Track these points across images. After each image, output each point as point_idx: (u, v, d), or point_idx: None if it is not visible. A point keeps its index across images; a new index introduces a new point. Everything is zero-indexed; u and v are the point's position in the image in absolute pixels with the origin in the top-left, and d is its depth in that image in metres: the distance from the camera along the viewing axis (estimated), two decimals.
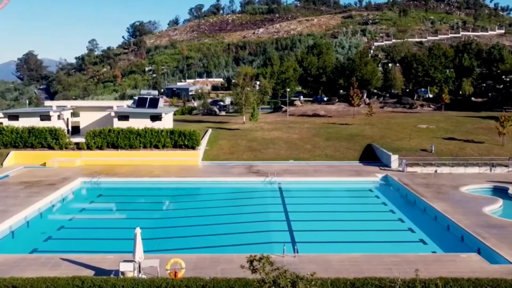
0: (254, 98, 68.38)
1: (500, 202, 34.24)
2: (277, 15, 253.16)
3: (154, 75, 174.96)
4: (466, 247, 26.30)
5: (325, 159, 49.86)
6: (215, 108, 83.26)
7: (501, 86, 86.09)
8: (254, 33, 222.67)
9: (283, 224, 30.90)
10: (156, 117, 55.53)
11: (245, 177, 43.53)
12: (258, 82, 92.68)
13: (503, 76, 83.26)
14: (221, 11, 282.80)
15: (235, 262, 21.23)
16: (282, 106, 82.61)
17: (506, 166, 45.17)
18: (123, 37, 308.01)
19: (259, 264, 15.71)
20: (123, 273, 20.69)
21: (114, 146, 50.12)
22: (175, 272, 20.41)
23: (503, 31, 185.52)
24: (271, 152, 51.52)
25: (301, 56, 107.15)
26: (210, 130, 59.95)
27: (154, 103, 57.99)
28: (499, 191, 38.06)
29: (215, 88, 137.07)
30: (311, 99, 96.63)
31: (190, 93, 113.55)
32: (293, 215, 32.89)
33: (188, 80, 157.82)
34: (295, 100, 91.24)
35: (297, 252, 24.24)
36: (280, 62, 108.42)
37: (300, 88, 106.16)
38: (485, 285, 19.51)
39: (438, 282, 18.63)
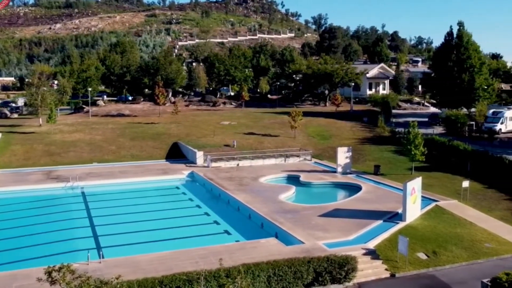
0: (52, 98, 63.75)
1: (293, 189, 37.91)
2: (76, 10, 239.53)
3: None
4: (265, 233, 28.44)
5: (131, 159, 49.02)
6: (6, 110, 75.12)
7: (292, 84, 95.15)
8: (50, 28, 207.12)
9: (88, 230, 29.56)
10: None
11: (44, 184, 40.31)
12: (56, 82, 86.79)
13: (294, 75, 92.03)
14: (11, 3, 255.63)
15: (34, 276, 19.50)
16: (84, 106, 78.50)
17: (297, 156, 50.20)
18: None
19: (58, 275, 14.88)
20: None
21: None
22: None
23: (293, 34, 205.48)
24: (73, 156, 48.64)
25: (104, 54, 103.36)
26: (0, 135, 53.94)
27: None
28: (292, 179, 42.09)
29: (5, 88, 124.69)
30: (115, 98, 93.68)
31: None
32: (98, 219, 31.65)
33: None
34: (98, 100, 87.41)
35: (103, 258, 23.43)
36: (81, 60, 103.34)
37: (103, 87, 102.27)
38: (281, 266, 21.44)
39: (240, 269, 19.81)
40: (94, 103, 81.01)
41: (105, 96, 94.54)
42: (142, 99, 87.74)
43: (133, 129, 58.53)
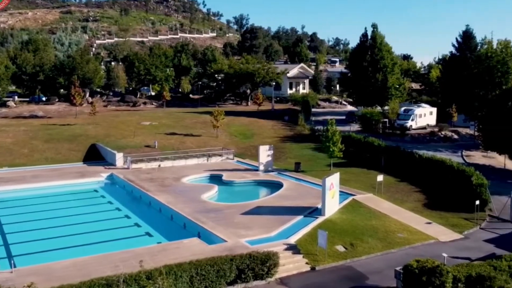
0: None
1: (216, 188, 37.90)
2: None
3: None
4: (188, 233, 28.19)
5: (45, 163, 46.67)
6: None
7: (214, 84, 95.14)
8: None
9: None
10: None
11: None
12: None
13: (216, 75, 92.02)
14: None
15: None
16: None
17: (220, 155, 50.25)
18: None
19: None
20: None
21: None
22: None
23: (215, 34, 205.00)
24: None
25: (14, 52, 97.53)
26: None
27: None
28: (215, 179, 42.08)
29: None
30: (27, 99, 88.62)
31: None
32: (9, 227, 29.85)
33: None
34: (8, 100, 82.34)
35: (15, 267, 22.15)
36: None
37: (13, 87, 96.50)
38: (204, 265, 21.37)
39: (162, 270, 19.51)
40: (3, 104, 76.35)
41: (16, 97, 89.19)
42: (57, 100, 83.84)
43: (48, 131, 55.69)
